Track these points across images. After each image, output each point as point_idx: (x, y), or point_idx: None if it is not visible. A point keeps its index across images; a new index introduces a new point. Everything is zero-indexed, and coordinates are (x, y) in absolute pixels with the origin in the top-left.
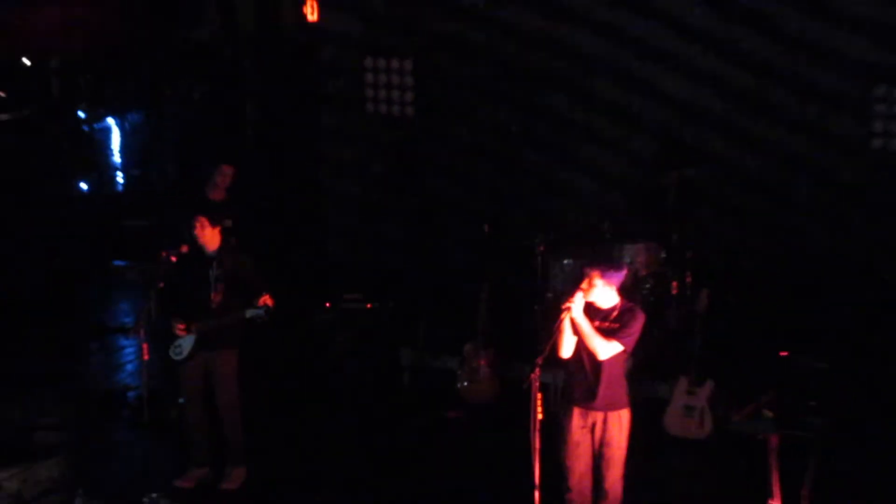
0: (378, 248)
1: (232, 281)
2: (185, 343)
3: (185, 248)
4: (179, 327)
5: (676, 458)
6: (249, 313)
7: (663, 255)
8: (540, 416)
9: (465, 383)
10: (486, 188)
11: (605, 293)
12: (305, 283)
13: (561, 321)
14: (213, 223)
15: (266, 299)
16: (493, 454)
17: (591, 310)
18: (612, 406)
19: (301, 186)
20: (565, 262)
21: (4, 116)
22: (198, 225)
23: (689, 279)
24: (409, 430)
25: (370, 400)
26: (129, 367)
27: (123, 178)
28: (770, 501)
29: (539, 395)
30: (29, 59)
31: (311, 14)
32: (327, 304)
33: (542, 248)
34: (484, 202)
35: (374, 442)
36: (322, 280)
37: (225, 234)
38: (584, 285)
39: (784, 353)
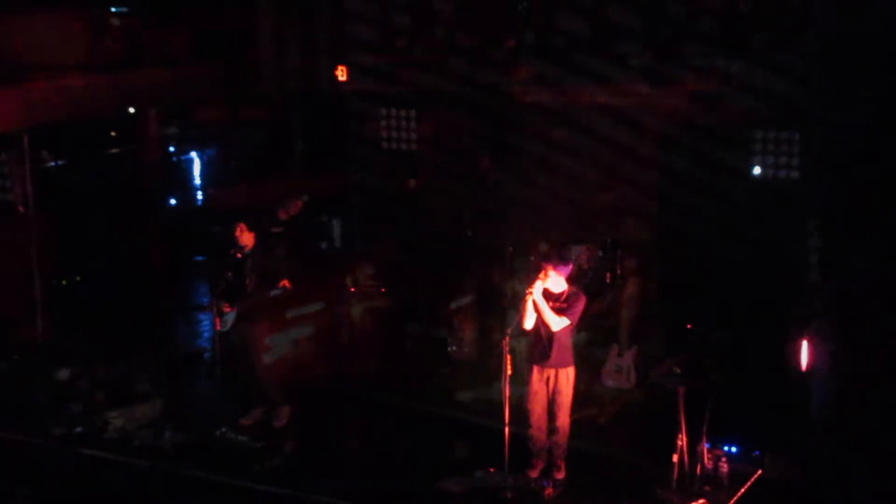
0: (392, 246)
1: (261, 271)
2: (229, 318)
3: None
4: (225, 306)
5: (609, 404)
6: (272, 293)
7: (600, 253)
8: (509, 372)
9: (454, 347)
10: (469, 204)
11: (556, 281)
12: (339, 272)
13: (525, 301)
14: (250, 228)
15: (285, 283)
16: (475, 399)
17: (546, 293)
18: (562, 364)
19: (335, 200)
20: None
21: (115, 150)
22: (238, 229)
23: (619, 271)
24: (412, 380)
25: (382, 360)
26: (206, 334)
27: (202, 195)
28: (679, 435)
29: (509, 357)
30: (134, 108)
31: (342, 76)
32: (352, 289)
33: (510, 249)
34: (468, 214)
35: (387, 388)
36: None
37: (263, 236)
38: (541, 275)
39: (689, 326)
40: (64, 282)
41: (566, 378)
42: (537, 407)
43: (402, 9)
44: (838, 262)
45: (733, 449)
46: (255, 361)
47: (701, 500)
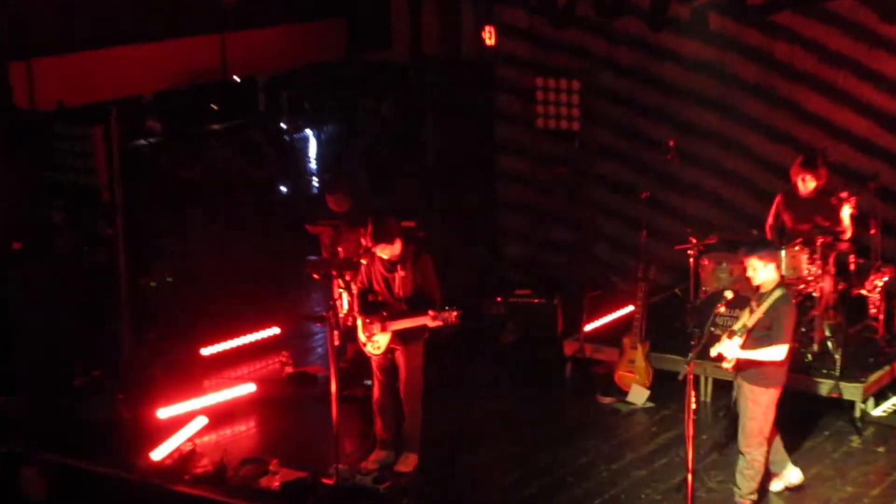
0: (546, 248)
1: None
2: (382, 339)
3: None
4: (377, 325)
5: None
6: (433, 324)
7: None
8: (694, 406)
9: (623, 372)
10: (640, 197)
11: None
12: (480, 278)
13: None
14: (399, 233)
15: (454, 314)
16: (647, 436)
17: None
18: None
19: (477, 191)
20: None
21: (217, 127)
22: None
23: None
24: (570, 413)
25: (535, 387)
26: (320, 350)
27: (319, 182)
28: None
29: (693, 387)
30: (238, 77)
31: (489, 39)
32: (498, 299)
33: (693, 252)
34: (640, 209)
35: (538, 424)
36: (495, 276)
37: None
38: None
39: None
40: (153, 283)
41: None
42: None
43: None
44: None
45: None
46: (409, 395)
47: None
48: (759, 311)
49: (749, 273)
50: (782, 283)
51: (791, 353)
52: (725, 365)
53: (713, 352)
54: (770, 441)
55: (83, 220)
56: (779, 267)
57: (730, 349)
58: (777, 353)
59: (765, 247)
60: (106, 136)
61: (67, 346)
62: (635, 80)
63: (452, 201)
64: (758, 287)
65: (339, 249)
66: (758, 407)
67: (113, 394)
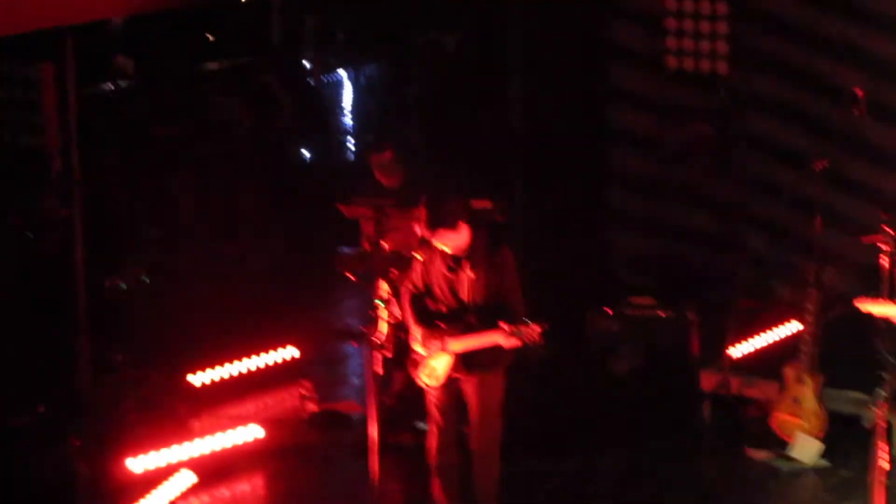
0: (677, 239)
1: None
2: (440, 364)
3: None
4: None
5: None
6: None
7: None
8: (886, 467)
9: (784, 416)
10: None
11: None
12: (581, 281)
13: None
14: (465, 216)
15: (536, 330)
16: None
17: None
18: None
19: (579, 160)
20: None
21: (213, 66)
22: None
23: None
24: (708, 474)
25: (660, 436)
26: (354, 380)
27: (356, 145)
28: None
29: (884, 439)
30: None
31: None
32: (608, 310)
33: (888, 247)
34: (813, 186)
35: (664, 488)
36: (603, 278)
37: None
38: None
39: None
40: (123, 285)
41: None
42: None
43: None
44: None
45: None
46: (483, 446)
47: None
48: None
49: None
50: None
51: None
52: None
53: None
54: None
55: (25, 197)
56: None
57: None
58: None
59: None
60: (58, 78)
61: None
62: (809, 0)
63: (545, 175)
64: None
65: (385, 240)
66: None
67: (66, 439)
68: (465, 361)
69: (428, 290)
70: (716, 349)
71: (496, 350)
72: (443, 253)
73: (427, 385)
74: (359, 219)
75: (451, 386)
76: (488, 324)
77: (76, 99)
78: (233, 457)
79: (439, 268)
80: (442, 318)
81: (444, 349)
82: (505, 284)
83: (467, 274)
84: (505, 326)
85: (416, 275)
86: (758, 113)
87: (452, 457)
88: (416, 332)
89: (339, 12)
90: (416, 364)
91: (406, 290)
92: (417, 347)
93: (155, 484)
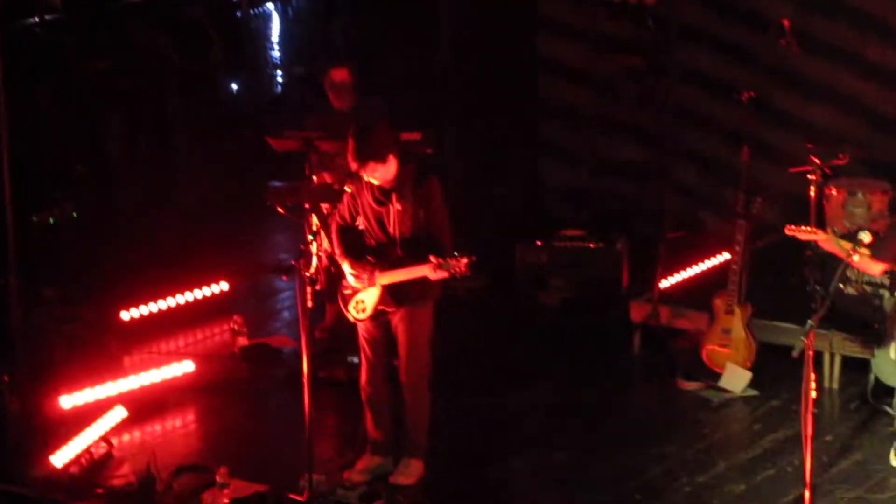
0: (606, 171)
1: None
2: (369, 297)
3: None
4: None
5: None
6: (437, 273)
7: None
8: (814, 395)
9: (714, 347)
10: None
11: None
12: (511, 214)
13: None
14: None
15: (464, 262)
16: (748, 437)
17: None
18: None
19: (508, 93)
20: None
21: None
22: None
23: None
24: (638, 405)
25: (590, 368)
26: (286, 314)
27: (284, 77)
28: None
29: (813, 368)
30: None
31: None
32: (538, 242)
33: (815, 178)
34: (740, 117)
35: (592, 421)
36: (533, 211)
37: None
38: None
39: None
40: (52, 219)
41: None
42: None
43: None
44: None
45: None
46: (412, 379)
47: None
48: None
49: None
50: None
51: None
52: None
53: None
54: None
55: None
56: None
57: None
58: None
59: None
60: None
61: None
62: None
63: (475, 107)
64: None
65: (329, 172)
66: None
67: None
68: (393, 294)
69: (356, 224)
70: (646, 280)
71: (424, 283)
72: (371, 185)
73: (356, 318)
74: (290, 152)
75: (380, 319)
76: (416, 257)
77: (2, 33)
78: (164, 392)
79: (368, 200)
80: (370, 252)
81: (371, 282)
82: (432, 217)
83: (395, 207)
84: (433, 259)
85: (345, 207)
86: (686, 44)
87: (383, 390)
88: (344, 265)
89: None
90: (345, 297)
91: (334, 223)
92: (347, 281)
93: (87, 420)
